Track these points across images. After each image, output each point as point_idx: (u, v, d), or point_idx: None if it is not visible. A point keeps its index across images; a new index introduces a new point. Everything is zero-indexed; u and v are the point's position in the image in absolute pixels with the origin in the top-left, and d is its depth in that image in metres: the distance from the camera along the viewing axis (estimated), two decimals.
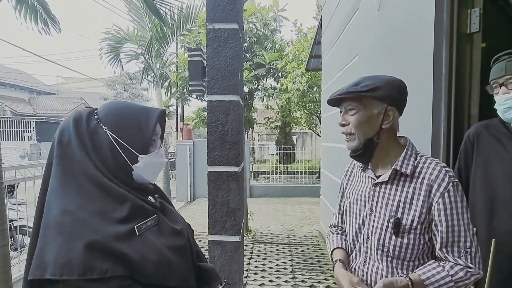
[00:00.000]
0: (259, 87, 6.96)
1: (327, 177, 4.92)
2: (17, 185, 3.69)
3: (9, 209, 3.72)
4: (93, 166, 0.78)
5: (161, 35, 5.42)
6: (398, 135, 1.11)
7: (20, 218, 3.51)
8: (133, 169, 0.84)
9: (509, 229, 1.23)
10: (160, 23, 4.84)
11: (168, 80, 6.87)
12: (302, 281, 3.52)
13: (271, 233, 5.41)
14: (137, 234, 0.76)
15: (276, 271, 3.81)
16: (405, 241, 1.01)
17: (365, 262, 1.10)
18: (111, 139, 0.81)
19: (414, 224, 1.00)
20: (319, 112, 9.24)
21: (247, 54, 6.15)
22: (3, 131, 17.77)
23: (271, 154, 12.82)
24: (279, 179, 9.81)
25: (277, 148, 11.34)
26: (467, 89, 1.58)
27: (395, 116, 1.05)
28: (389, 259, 1.04)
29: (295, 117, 10.93)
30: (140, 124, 0.85)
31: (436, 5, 1.62)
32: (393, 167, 1.04)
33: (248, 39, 6.18)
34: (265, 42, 6.51)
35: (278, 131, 13.98)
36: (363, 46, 2.98)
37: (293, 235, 5.28)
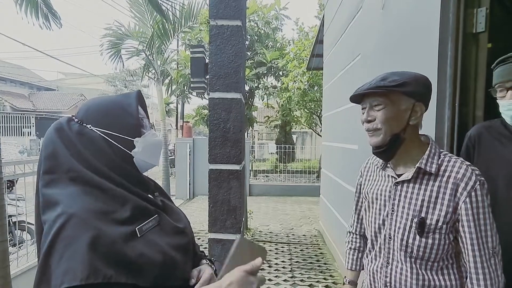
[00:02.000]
0: (259, 85, 6.94)
1: (327, 177, 4.91)
2: (16, 181, 3.68)
3: (8, 204, 3.72)
4: (87, 169, 0.75)
5: (162, 31, 5.39)
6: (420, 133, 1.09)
7: (19, 214, 3.50)
8: (133, 156, 0.83)
9: (509, 231, 1.22)
10: (161, 20, 4.81)
11: (169, 77, 6.85)
12: (301, 280, 3.52)
13: (270, 232, 5.40)
14: (139, 236, 0.74)
15: (275, 270, 3.80)
16: (430, 241, 1.00)
17: (387, 263, 1.08)
18: (100, 134, 0.79)
19: (440, 224, 0.98)
20: (319, 111, 9.22)
21: (248, 52, 6.13)
22: (3, 126, 17.75)
23: (271, 153, 12.81)
24: (279, 178, 9.80)
25: (277, 147, 11.32)
26: (472, 89, 1.56)
27: (422, 112, 1.04)
28: (413, 259, 1.03)
29: (295, 116, 10.91)
30: (123, 108, 0.84)
31: (442, 4, 1.60)
32: (417, 165, 1.02)
33: (249, 37, 6.16)
34: (267, 41, 6.49)
35: (278, 130, 13.95)
36: (366, 45, 2.96)
37: (292, 234, 5.27)
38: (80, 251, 0.65)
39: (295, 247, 4.63)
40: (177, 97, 10.42)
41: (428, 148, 1.04)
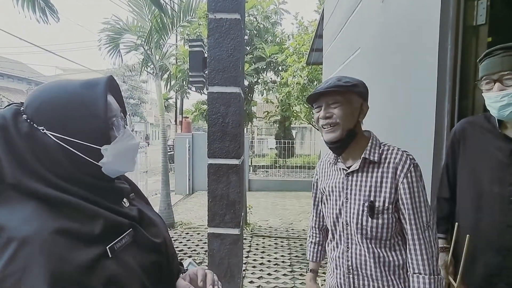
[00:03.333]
0: (259, 80, 6.91)
1: None
2: None
3: None
4: (39, 183, 0.60)
5: (161, 26, 5.33)
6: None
7: None
8: (101, 166, 0.67)
9: (494, 225, 1.23)
10: (160, 14, 4.77)
11: (168, 72, 6.81)
12: (300, 275, 3.53)
13: (269, 227, 5.42)
14: (110, 256, 0.62)
15: (274, 264, 3.82)
16: (380, 221, 1.13)
17: (348, 248, 1.21)
18: (57, 140, 0.62)
19: (386, 204, 1.12)
20: None
21: (247, 47, 6.10)
22: None
23: (270, 148, 12.82)
24: (278, 173, 9.82)
25: (276, 142, 11.33)
26: (472, 82, 1.55)
27: (367, 110, 1.20)
28: (368, 240, 1.16)
29: (294, 111, 10.89)
30: (86, 108, 0.65)
31: None
32: (362, 156, 1.15)
33: (248, 31, 6.12)
34: (266, 35, 6.44)
35: (278, 125, 13.95)
36: (365, 39, 2.95)
37: (292, 229, 5.29)
38: (39, 286, 0.51)
39: (294, 242, 4.65)
40: (176, 92, 10.38)
41: (370, 141, 1.18)
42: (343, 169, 1.21)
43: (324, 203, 1.31)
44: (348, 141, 1.16)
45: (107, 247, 0.62)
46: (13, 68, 23.40)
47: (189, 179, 8.43)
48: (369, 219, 1.13)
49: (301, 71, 8.08)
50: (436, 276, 1.08)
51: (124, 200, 0.76)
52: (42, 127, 0.63)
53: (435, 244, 1.11)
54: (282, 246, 4.47)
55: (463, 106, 1.59)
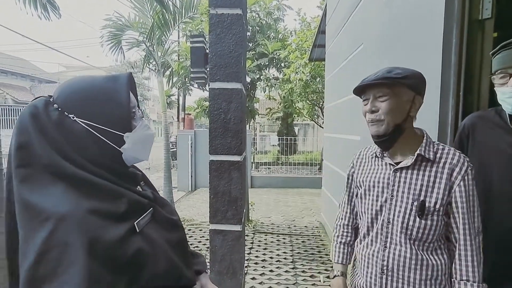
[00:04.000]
0: (261, 77, 6.89)
1: (329, 168, 4.90)
2: None
3: None
4: (70, 163, 0.65)
5: (162, 22, 5.32)
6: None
7: None
8: (121, 152, 0.74)
9: (502, 221, 1.21)
10: (161, 10, 4.75)
11: (170, 69, 6.81)
12: (303, 271, 3.53)
13: (272, 224, 5.41)
14: (137, 231, 0.69)
15: (276, 261, 3.82)
16: (428, 222, 1.06)
17: (385, 246, 1.13)
18: (86, 127, 0.69)
19: (437, 206, 1.06)
20: (321, 103, 9.17)
21: (249, 44, 6.07)
22: (4, 119, 17.78)
23: (273, 145, 12.79)
24: (281, 170, 9.80)
25: (279, 139, 11.30)
26: (477, 77, 1.53)
27: (420, 105, 1.11)
28: (412, 241, 1.09)
29: (297, 108, 10.86)
30: (112, 98, 0.72)
31: None
32: (417, 152, 1.08)
33: (251, 28, 6.09)
34: (268, 31, 6.42)
35: (280, 122, 13.91)
36: (368, 35, 2.92)
37: (294, 226, 5.29)
38: (78, 259, 0.57)
39: (296, 239, 4.64)
40: (178, 89, 10.38)
41: (425, 138, 1.11)
42: (390, 164, 1.14)
43: (361, 198, 1.22)
44: (395, 137, 1.09)
45: (135, 223, 0.69)
46: (16, 65, 23.48)
47: (191, 176, 8.44)
48: (417, 219, 1.07)
49: (303, 68, 8.05)
50: (482, 285, 1.04)
51: (139, 186, 0.83)
52: (72, 115, 0.69)
53: (481, 251, 1.07)
54: (284, 243, 4.47)
55: (467, 102, 1.57)
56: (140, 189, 0.81)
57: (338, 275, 1.31)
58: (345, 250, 1.33)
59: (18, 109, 18.55)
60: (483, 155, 1.30)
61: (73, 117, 0.69)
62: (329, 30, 5.06)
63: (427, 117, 1.75)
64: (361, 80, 1.11)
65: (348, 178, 1.33)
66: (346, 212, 1.34)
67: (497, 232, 1.22)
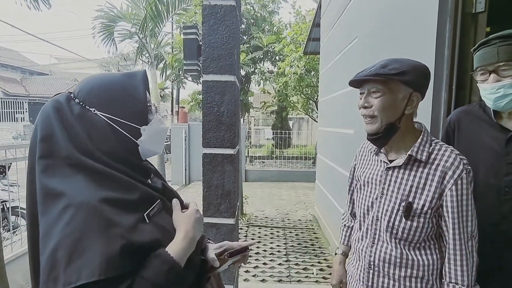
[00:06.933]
0: (256, 70, 6.86)
1: (322, 162, 4.92)
2: (9, 166, 3.63)
3: (1, 190, 3.69)
4: (86, 156, 0.70)
5: (155, 13, 5.24)
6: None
7: (12, 200, 3.48)
8: (138, 144, 0.79)
9: (489, 217, 1.22)
10: (154, 1, 4.67)
11: (163, 62, 6.73)
12: (296, 264, 3.56)
13: (265, 217, 5.44)
14: (148, 222, 0.72)
15: (270, 254, 3.84)
16: (414, 224, 1.04)
17: (373, 243, 1.14)
18: (106, 120, 0.74)
19: (425, 208, 1.03)
20: (316, 97, 9.17)
21: (244, 36, 6.02)
22: None
23: (267, 139, 12.79)
24: (275, 164, 9.82)
25: (273, 132, 11.30)
26: (470, 71, 1.53)
27: (418, 102, 1.06)
28: (397, 240, 1.08)
29: (291, 101, 10.85)
30: (130, 93, 0.78)
31: None
32: (408, 152, 1.05)
33: (245, 20, 6.04)
34: (263, 24, 6.38)
35: (275, 115, 13.90)
36: (363, 28, 2.91)
37: (288, 219, 5.32)
38: (95, 244, 0.62)
39: (290, 232, 4.68)
40: (172, 82, 10.28)
41: (420, 137, 1.06)
42: (384, 161, 1.12)
43: (357, 192, 1.23)
44: (389, 135, 1.05)
45: (145, 214, 0.72)
46: (7, 57, 23.03)
47: (185, 170, 8.41)
48: (403, 219, 1.05)
49: (298, 61, 8.02)
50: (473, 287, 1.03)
51: (149, 180, 0.86)
52: (93, 108, 0.74)
53: (475, 255, 1.04)
54: (278, 236, 4.50)
55: (460, 96, 1.57)
56: (150, 182, 0.85)
57: (339, 254, 1.41)
58: (347, 233, 1.40)
59: (9, 101, 18.27)
60: (468, 150, 1.31)
61: (94, 111, 0.74)
62: (324, 23, 5.04)
63: (420, 111, 1.75)
64: (356, 73, 1.09)
65: (351, 170, 1.36)
66: (348, 201, 1.40)
67: (484, 225, 1.24)
